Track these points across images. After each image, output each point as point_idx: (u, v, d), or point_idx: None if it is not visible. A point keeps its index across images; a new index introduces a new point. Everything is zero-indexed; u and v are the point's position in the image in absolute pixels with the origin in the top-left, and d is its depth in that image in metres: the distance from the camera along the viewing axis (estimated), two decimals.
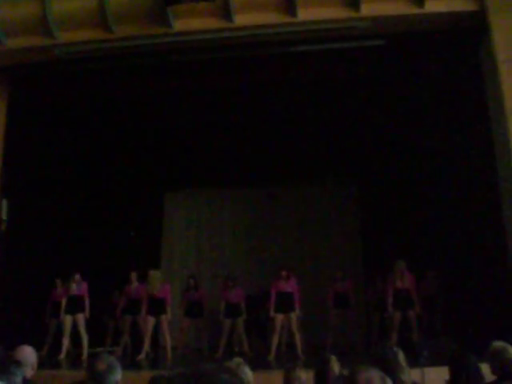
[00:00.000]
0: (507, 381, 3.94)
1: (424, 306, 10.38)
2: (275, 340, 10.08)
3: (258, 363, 9.03)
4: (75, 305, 10.48)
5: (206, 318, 11.80)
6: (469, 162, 10.45)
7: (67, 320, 10.44)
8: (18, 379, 3.63)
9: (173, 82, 11.72)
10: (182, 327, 11.49)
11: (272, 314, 10.20)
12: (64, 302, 10.57)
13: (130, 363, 9.73)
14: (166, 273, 13.92)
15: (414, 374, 5.36)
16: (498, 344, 4.22)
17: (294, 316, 10.13)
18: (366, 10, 9.15)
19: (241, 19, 9.32)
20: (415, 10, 9.11)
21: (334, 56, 10.64)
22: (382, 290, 10.88)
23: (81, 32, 9.48)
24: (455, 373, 4.10)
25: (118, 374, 3.25)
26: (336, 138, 13.22)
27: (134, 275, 11.21)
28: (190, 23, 9.38)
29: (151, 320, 10.44)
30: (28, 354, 4.22)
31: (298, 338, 10.08)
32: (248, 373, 4.00)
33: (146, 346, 10.31)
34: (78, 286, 10.55)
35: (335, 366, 4.32)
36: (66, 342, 10.33)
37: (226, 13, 9.21)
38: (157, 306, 10.47)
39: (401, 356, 3.59)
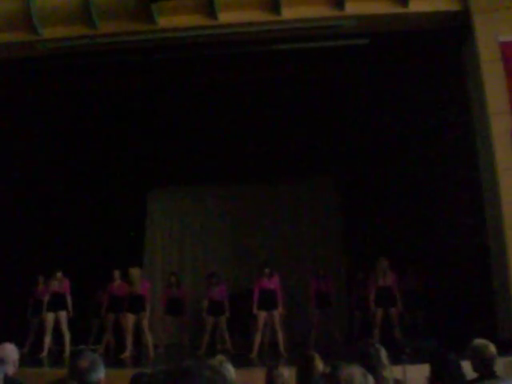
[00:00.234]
0: (488, 379, 3.96)
1: (406, 304, 10.44)
2: (258, 338, 10.08)
3: (241, 361, 9.03)
4: (57, 302, 10.41)
5: (188, 315, 11.78)
6: (451, 160, 10.53)
7: (49, 317, 10.37)
8: (0, 376, 3.61)
9: (156, 79, 11.69)
10: (164, 324, 11.49)
11: (255, 311, 10.20)
12: (46, 299, 10.50)
13: (113, 361, 9.69)
14: (149, 270, 13.89)
15: (396, 371, 5.38)
16: (479, 341, 4.23)
17: (276, 314, 10.14)
18: (350, 8, 9.18)
19: (225, 17, 9.33)
20: (399, 10, 9.16)
21: (317, 54, 10.65)
22: (365, 287, 10.93)
23: (65, 28, 9.43)
24: (436, 370, 4.12)
25: (101, 372, 3.22)
26: (318, 136, 13.24)
27: (116, 273, 11.15)
28: (174, 20, 9.38)
29: (131, 317, 10.40)
30: (9, 351, 4.20)
31: (280, 335, 10.09)
32: (231, 370, 4.00)
33: (129, 344, 10.28)
34: (59, 284, 10.49)
35: (319, 364, 4.33)
36: (47, 340, 10.26)
37: (211, 10, 9.21)
38: (136, 304, 10.42)
39: (383, 353, 3.61)
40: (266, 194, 14.45)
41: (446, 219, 10.99)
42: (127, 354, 10.12)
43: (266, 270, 10.24)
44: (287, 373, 4.24)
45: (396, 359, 6.79)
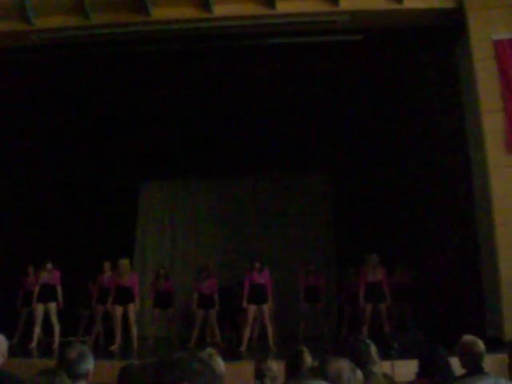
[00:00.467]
0: (477, 375, 3.98)
1: (395, 300, 10.48)
2: (247, 331, 10.10)
3: (230, 354, 9.04)
4: (47, 293, 10.37)
5: (177, 308, 11.77)
6: (443, 157, 10.56)
7: (39, 308, 10.33)
8: None
9: (149, 71, 11.64)
10: (153, 317, 11.51)
11: (245, 304, 10.20)
12: (36, 290, 10.47)
13: (103, 352, 9.68)
14: (140, 263, 13.89)
15: (385, 366, 5.40)
16: (468, 338, 4.25)
17: (266, 308, 10.15)
18: (344, 4, 9.18)
19: (220, 10, 9.31)
20: (394, 6, 9.16)
21: (311, 49, 10.64)
22: (355, 283, 10.97)
23: (58, 18, 9.38)
24: (424, 366, 4.13)
25: (90, 363, 3.22)
26: (310, 129, 13.25)
27: (107, 265, 11.11)
28: (168, 12, 9.35)
29: (119, 309, 10.35)
30: None
31: (269, 329, 10.10)
32: (220, 363, 3.99)
33: (118, 336, 10.26)
34: (49, 275, 10.45)
35: (308, 358, 4.34)
36: (37, 331, 10.22)
37: (206, 3, 9.19)
38: (124, 295, 10.37)
39: (373, 349, 3.62)
40: (257, 188, 14.47)
41: (437, 214, 11.02)
42: (116, 346, 10.12)
43: (257, 265, 10.23)
44: (276, 366, 4.24)
45: (385, 354, 6.82)
